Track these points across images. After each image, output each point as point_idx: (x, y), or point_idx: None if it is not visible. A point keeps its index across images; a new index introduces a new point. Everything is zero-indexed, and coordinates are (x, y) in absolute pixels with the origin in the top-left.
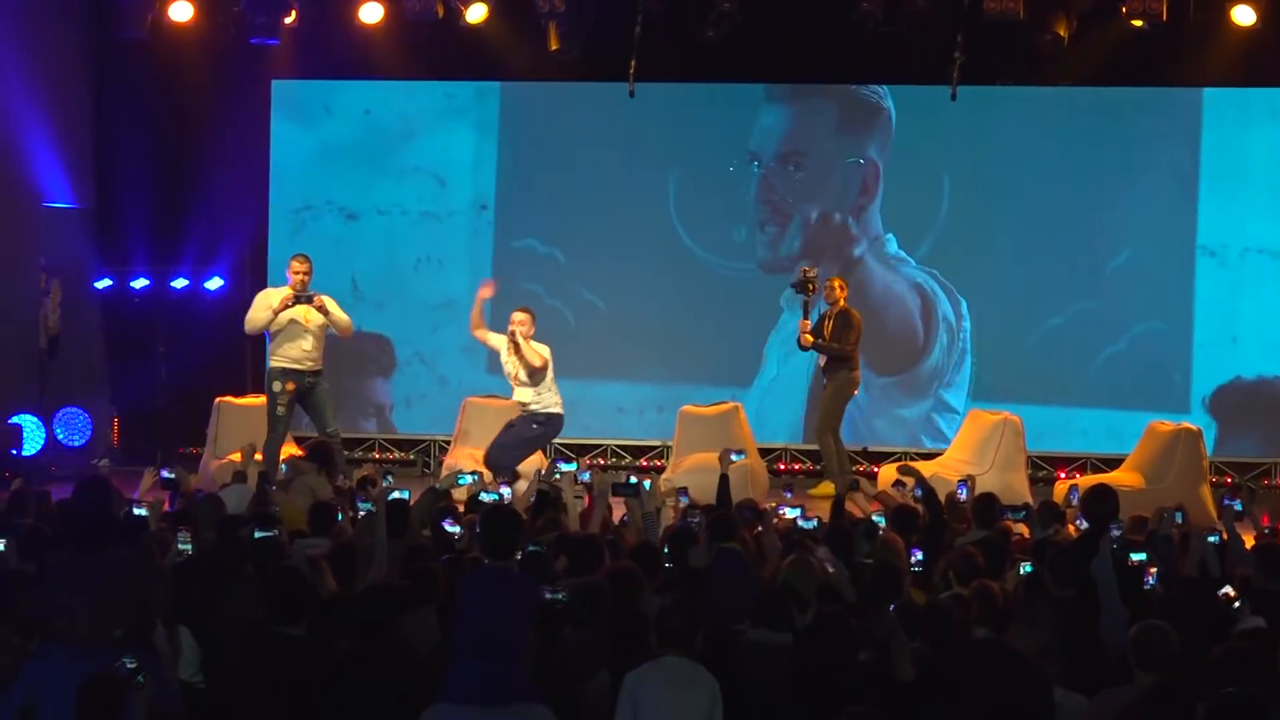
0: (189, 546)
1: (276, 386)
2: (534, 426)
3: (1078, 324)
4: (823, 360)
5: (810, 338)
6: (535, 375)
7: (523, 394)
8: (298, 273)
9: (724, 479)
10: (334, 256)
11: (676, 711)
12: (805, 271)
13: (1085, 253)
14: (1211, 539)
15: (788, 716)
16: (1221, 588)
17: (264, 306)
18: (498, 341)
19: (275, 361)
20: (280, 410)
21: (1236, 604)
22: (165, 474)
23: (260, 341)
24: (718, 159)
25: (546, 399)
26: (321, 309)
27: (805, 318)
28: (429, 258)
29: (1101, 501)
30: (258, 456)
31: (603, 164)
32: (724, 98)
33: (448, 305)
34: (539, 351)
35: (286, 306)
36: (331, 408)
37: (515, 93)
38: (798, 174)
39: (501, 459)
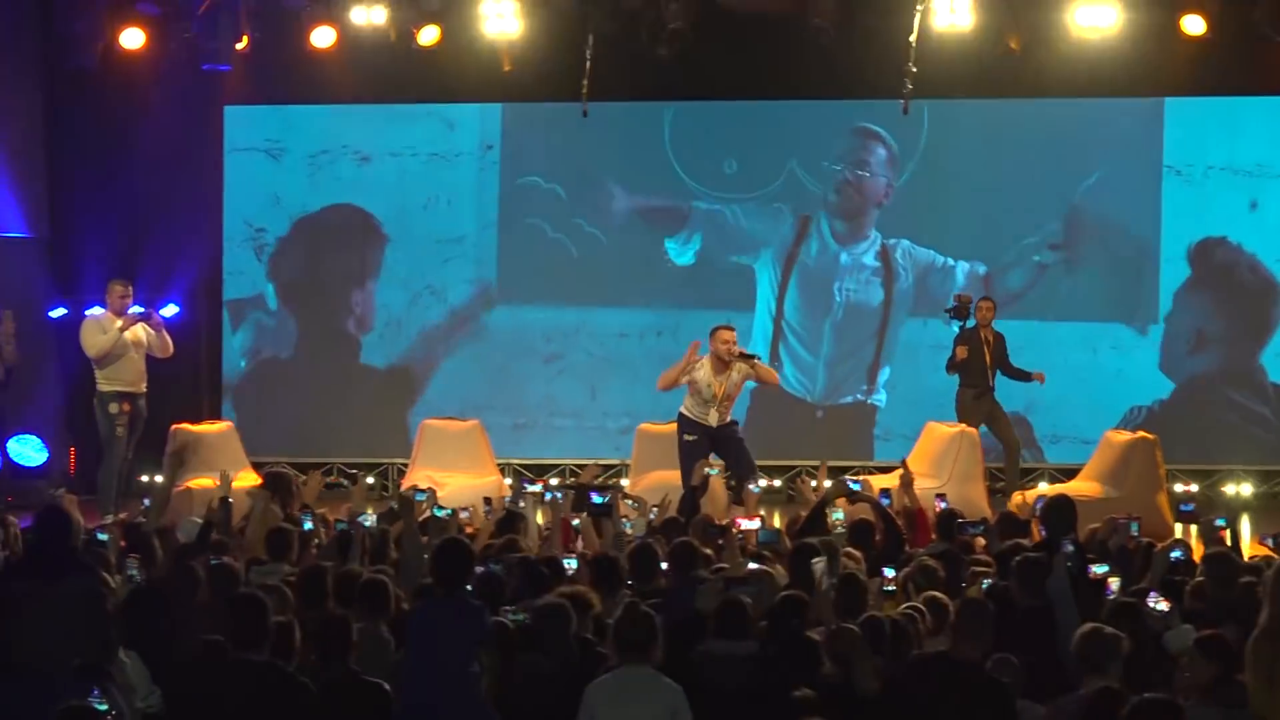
0: (137, 574)
1: (114, 409)
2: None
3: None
4: (991, 380)
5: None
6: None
7: (722, 414)
8: (121, 296)
9: (691, 491)
10: None
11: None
12: (961, 297)
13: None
14: (1175, 554)
15: None
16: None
17: (100, 331)
18: (699, 373)
19: (108, 385)
20: (120, 431)
21: (1166, 611)
22: (145, 502)
23: (217, 367)
24: None
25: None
26: (158, 327)
27: (963, 343)
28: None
29: (1059, 513)
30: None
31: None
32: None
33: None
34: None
35: (130, 326)
36: (136, 435)
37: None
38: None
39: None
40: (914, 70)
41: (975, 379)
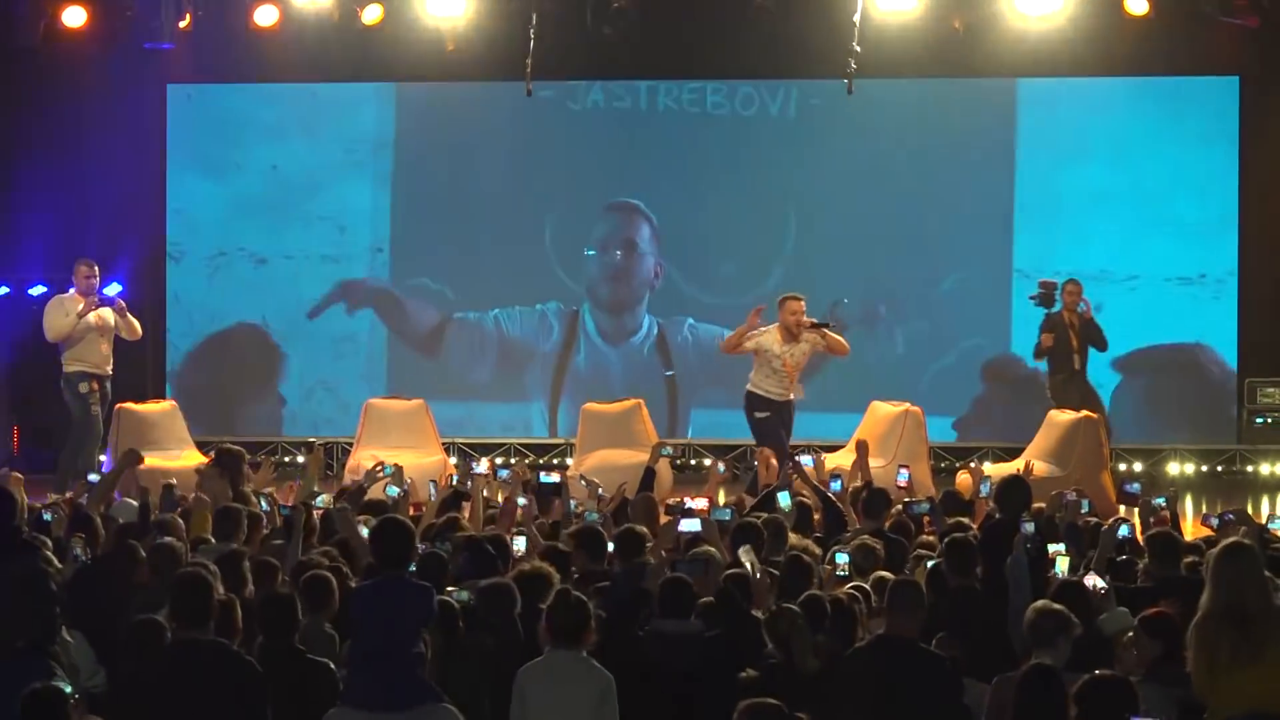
0: (82, 554)
1: (84, 388)
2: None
3: (912, 339)
4: (1078, 363)
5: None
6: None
7: (798, 390)
8: (88, 277)
9: (650, 471)
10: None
11: (562, 705)
12: (1045, 284)
13: (918, 277)
14: (1122, 531)
15: (697, 704)
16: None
17: (63, 313)
18: (765, 339)
19: (74, 366)
20: (94, 409)
21: (1103, 592)
22: (91, 478)
23: (161, 346)
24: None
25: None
26: (123, 311)
27: (1048, 330)
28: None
29: (1014, 493)
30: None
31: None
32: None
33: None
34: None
35: (91, 309)
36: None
37: (411, 104)
38: None
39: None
40: (858, 50)
41: (1061, 364)
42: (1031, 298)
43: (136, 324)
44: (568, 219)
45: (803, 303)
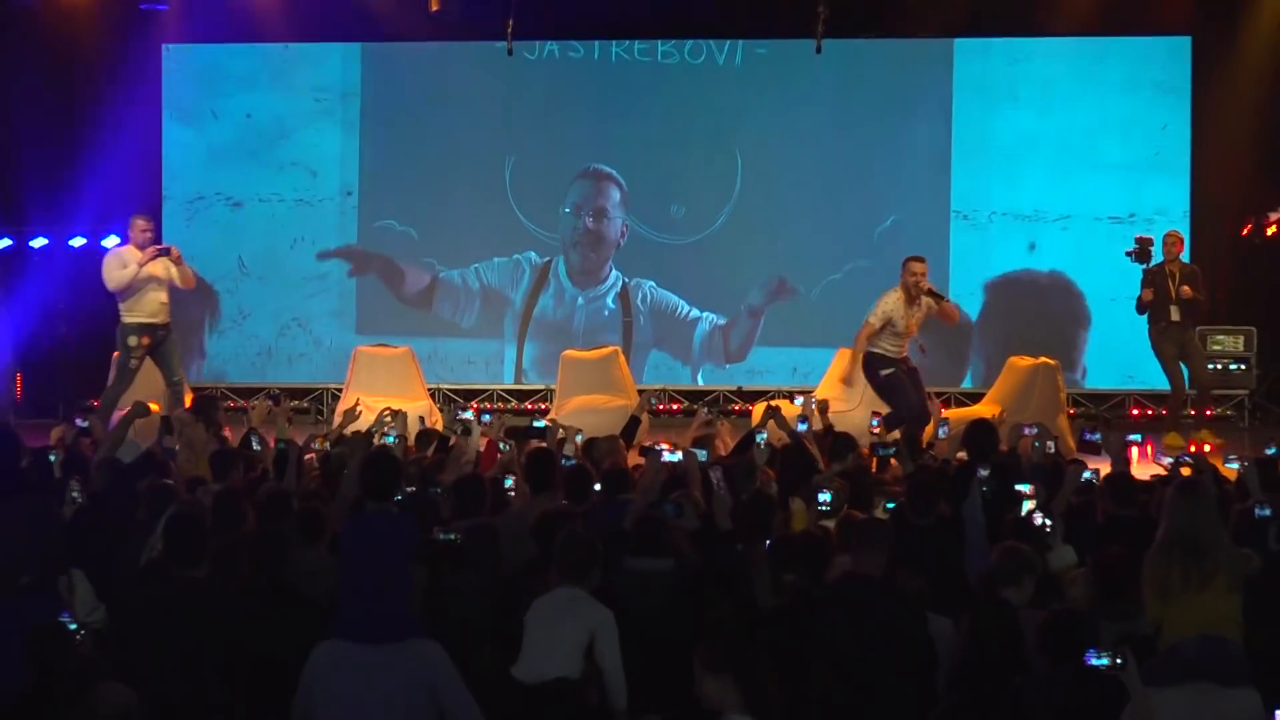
0: (78, 495)
1: (133, 341)
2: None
3: (851, 279)
4: (1177, 314)
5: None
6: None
7: (910, 346)
8: (145, 230)
9: (634, 420)
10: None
11: (557, 638)
12: (1141, 239)
13: (857, 218)
14: (1086, 474)
15: (670, 639)
16: None
17: (122, 265)
18: (889, 307)
19: (131, 317)
20: (134, 364)
21: (1049, 529)
22: (80, 423)
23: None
24: None
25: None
26: (179, 260)
27: (1148, 285)
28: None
29: (982, 436)
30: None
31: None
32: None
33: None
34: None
35: (151, 259)
36: (178, 357)
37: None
38: None
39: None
40: (824, 11)
41: (1159, 313)
42: (1129, 253)
43: (190, 273)
44: (525, 163)
45: (925, 264)
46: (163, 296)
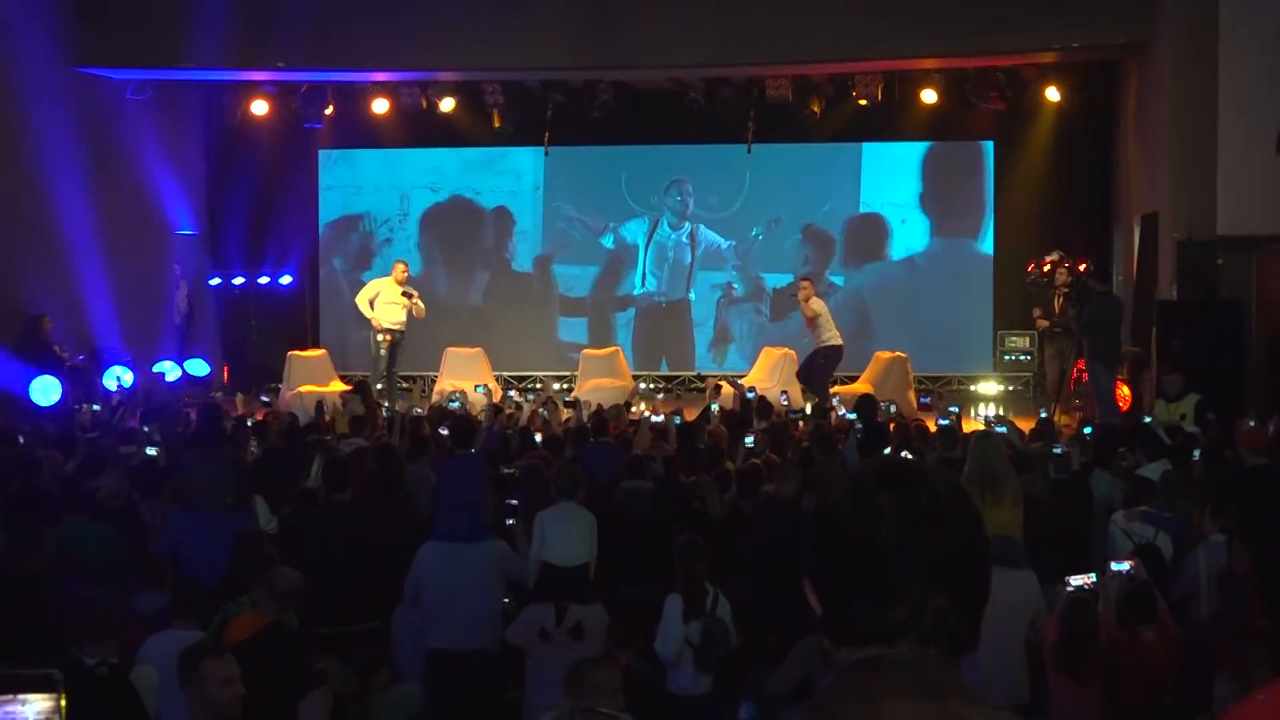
0: (255, 448)
1: (380, 338)
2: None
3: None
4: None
5: None
6: (812, 323)
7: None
8: (404, 270)
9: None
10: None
11: (567, 535)
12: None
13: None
14: (1000, 429)
15: (652, 540)
16: None
17: (372, 292)
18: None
19: (381, 323)
20: (382, 353)
21: None
22: (264, 399)
23: (316, 313)
24: None
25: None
26: (412, 296)
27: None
28: None
29: (865, 404)
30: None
31: None
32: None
33: None
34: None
35: (407, 295)
36: (398, 358)
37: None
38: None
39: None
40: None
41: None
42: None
43: (422, 305)
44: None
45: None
46: (400, 315)
